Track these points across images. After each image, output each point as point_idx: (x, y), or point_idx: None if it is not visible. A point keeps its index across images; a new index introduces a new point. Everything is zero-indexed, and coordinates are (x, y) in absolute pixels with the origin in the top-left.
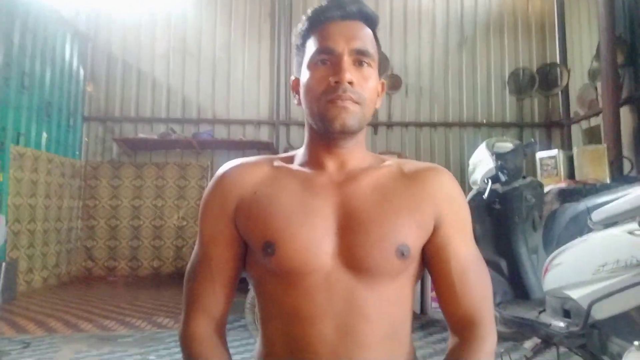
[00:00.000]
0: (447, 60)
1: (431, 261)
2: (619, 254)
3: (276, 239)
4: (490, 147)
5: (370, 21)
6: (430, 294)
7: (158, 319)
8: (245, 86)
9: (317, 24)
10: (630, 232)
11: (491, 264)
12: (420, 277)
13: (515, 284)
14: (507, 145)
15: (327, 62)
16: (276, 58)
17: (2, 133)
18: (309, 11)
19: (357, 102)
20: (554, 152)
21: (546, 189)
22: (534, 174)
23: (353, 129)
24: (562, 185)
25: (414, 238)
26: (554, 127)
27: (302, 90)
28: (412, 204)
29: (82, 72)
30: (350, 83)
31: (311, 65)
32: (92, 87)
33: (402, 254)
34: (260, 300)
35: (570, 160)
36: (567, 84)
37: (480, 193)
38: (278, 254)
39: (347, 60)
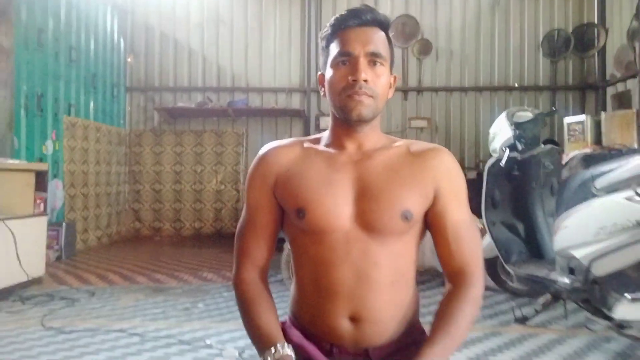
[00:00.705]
0: (478, 23)
1: (431, 225)
2: (617, 217)
3: (306, 206)
4: (510, 117)
5: (383, 26)
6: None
7: (203, 273)
8: (277, 55)
9: (338, 30)
10: (628, 199)
11: (509, 226)
12: (423, 237)
13: (530, 245)
14: (526, 115)
15: (347, 62)
16: (307, 26)
17: (55, 104)
18: (332, 19)
19: (370, 96)
20: (582, 117)
21: (571, 155)
22: (561, 139)
23: (368, 118)
24: (587, 150)
25: (416, 205)
26: (589, 91)
27: (326, 85)
28: (415, 178)
29: (122, 44)
30: (365, 81)
31: (333, 65)
32: (133, 59)
33: (405, 217)
34: (294, 252)
35: (598, 126)
36: (605, 45)
37: (499, 160)
38: (307, 217)
39: (362, 62)
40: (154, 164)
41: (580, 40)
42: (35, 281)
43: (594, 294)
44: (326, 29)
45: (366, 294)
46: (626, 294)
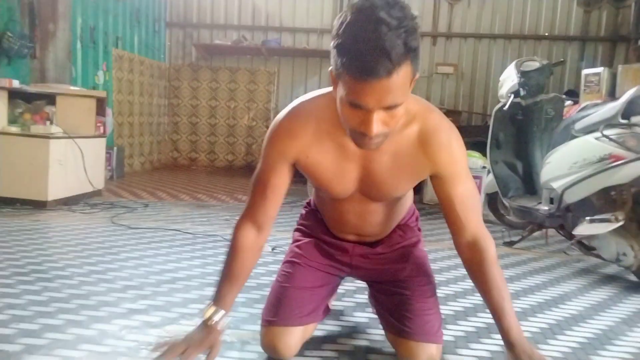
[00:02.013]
0: None
1: (439, 198)
2: (586, 154)
3: (322, 187)
4: (518, 66)
5: (405, 61)
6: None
7: (237, 195)
8: None
9: (351, 75)
10: (596, 138)
11: (509, 165)
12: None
13: (527, 182)
14: (534, 64)
15: (359, 108)
16: None
17: (105, 37)
18: (345, 56)
19: (382, 136)
20: (599, 69)
21: (582, 105)
22: (576, 89)
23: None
24: (597, 101)
25: (412, 185)
26: (620, 43)
27: (337, 100)
28: (415, 169)
29: None
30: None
31: (344, 101)
32: None
33: (399, 196)
34: (316, 192)
35: (614, 78)
36: None
37: (504, 105)
38: (322, 192)
39: (376, 116)
40: (191, 98)
41: None
42: (97, 193)
43: (567, 219)
44: (339, 57)
45: (367, 227)
46: (587, 217)
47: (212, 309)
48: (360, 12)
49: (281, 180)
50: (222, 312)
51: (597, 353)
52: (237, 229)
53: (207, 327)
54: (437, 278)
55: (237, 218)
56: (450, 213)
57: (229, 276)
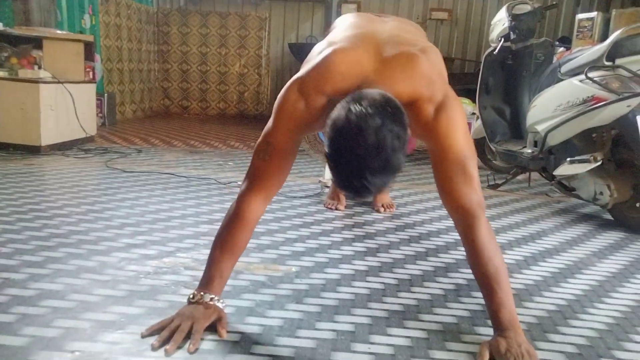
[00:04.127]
0: None
1: (433, 168)
2: (570, 96)
3: None
4: (510, 9)
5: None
6: None
7: (230, 142)
8: None
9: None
10: (581, 81)
11: (497, 110)
12: None
13: (514, 127)
14: (525, 8)
15: None
16: None
17: None
18: (333, 174)
19: None
20: (592, 14)
21: (573, 50)
22: (570, 35)
23: None
24: (587, 47)
25: None
26: None
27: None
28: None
29: None
30: None
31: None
32: None
33: None
34: None
35: (607, 23)
36: None
37: (495, 50)
38: None
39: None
40: (181, 44)
41: None
42: (90, 139)
43: (549, 161)
44: (327, 161)
45: None
46: (568, 158)
47: (209, 295)
48: (349, 141)
49: (292, 156)
50: (213, 295)
51: (567, 281)
52: (247, 201)
53: (205, 304)
54: (419, 230)
55: (241, 186)
56: (441, 177)
57: (231, 249)
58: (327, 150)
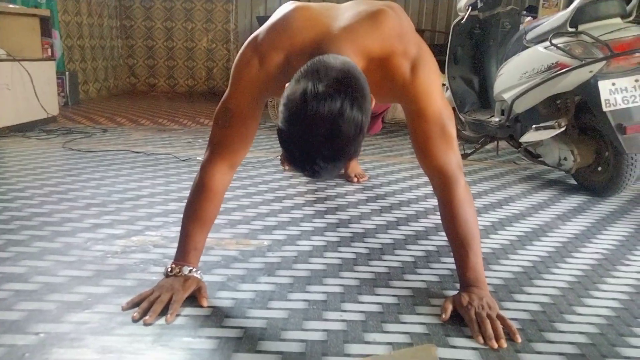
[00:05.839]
0: None
1: (410, 129)
2: (535, 63)
3: None
4: None
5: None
6: None
7: (200, 119)
8: None
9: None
10: (545, 47)
11: (466, 80)
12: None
13: (482, 97)
14: None
15: None
16: None
17: None
18: (284, 150)
19: None
20: None
21: (539, 19)
22: (537, 4)
23: None
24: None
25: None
26: None
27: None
28: (387, 97)
29: None
30: None
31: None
32: None
33: None
34: None
35: None
36: None
37: (462, 19)
38: None
39: None
40: (144, 19)
41: None
42: (52, 120)
43: (516, 129)
44: (278, 137)
45: None
46: (534, 125)
47: (188, 267)
48: (302, 126)
49: (256, 122)
50: (190, 267)
51: (532, 244)
52: (211, 171)
53: (184, 276)
54: (390, 201)
55: (204, 155)
56: (416, 144)
57: (202, 220)
58: (279, 127)
